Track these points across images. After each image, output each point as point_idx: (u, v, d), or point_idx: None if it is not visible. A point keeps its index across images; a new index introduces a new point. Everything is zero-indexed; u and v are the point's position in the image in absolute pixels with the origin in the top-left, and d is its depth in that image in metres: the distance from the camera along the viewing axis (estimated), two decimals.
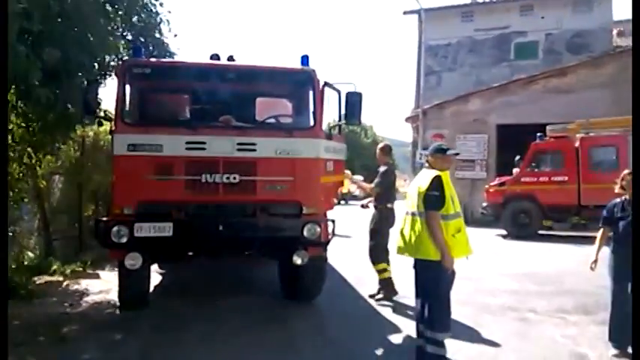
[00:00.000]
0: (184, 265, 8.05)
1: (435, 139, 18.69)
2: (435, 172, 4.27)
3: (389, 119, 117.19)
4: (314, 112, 5.77)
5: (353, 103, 5.86)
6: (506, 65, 24.28)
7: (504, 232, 14.22)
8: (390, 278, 6.83)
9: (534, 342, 5.22)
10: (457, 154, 4.57)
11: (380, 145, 7.09)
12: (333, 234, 5.68)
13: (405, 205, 4.51)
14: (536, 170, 14.02)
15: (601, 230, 4.93)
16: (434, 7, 24.98)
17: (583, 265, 9.13)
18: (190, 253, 5.82)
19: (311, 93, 5.81)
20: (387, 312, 6.23)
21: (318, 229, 5.47)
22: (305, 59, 5.90)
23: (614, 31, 24.83)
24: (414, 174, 20.27)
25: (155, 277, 7.61)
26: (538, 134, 14.11)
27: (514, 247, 12.24)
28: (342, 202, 32.00)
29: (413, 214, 4.33)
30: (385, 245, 6.66)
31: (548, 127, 14.19)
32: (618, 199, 4.80)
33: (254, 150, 5.47)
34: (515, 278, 8.22)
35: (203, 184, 5.36)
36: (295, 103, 6.54)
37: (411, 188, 4.48)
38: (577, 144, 13.52)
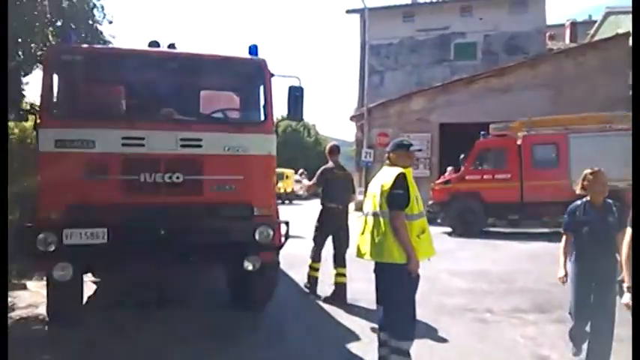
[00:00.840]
0: (123, 273, 7.40)
1: (380, 138, 18.73)
2: (398, 170, 3.99)
3: (331, 118, 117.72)
4: (265, 106, 5.38)
5: (295, 97, 5.51)
6: (446, 65, 24.77)
7: (449, 229, 14.32)
8: (344, 284, 6.63)
9: (496, 344, 5.09)
10: (420, 150, 4.31)
11: (327, 147, 7.05)
12: (287, 237, 5.30)
13: (365, 205, 4.22)
14: (480, 168, 14.22)
15: (564, 237, 4.36)
16: (376, 7, 25.09)
17: (531, 263, 9.48)
18: (129, 262, 5.26)
19: (261, 85, 5.41)
20: (343, 318, 5.92)
21: (271, 232, 5.09)
22: (254, 49, 5.51)
23: (546, 35, 25.89)
24: (358, 173, 20.23)
25: (89, 286, 6.95)
26: (482, 132, 14.32)
27: (461, 244, 12.29)
28: (287, 201, 31.71)
29: (375, 215, 4.04)
30: (318, 240, 6.70)
31: (491, 126, 14.45)
32: (579, 201, 4.30)
33: (199, 146, 5.03)
34: (468, 277, 8.16)
35: (142, 185, 4.86)
36: (244, 96, 6.09)
37: (372, 187, 4.18)
38: (520, 142, 13.80)
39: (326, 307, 6.41)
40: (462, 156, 14.62)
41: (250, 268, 5.08)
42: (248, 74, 5.59)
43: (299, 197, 35.37)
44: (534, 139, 13.72)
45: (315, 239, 6.81)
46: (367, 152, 18.83)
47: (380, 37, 25.16)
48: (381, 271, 4.06)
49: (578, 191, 4.32)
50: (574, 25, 35.42)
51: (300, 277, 7.68)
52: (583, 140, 12.96)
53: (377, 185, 4.07)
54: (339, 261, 6.66)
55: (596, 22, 35.85)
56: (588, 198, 4.25)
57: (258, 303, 5.87)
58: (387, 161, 4.22)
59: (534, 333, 5.41)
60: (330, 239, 6.80)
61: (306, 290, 6.94)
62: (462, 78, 19.66)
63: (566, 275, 4.24)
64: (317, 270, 6.91)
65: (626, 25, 28.98)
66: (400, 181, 3.91)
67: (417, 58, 25.51)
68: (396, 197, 3.89)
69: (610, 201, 4.23)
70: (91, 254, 4.71)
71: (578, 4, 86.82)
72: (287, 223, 5.28)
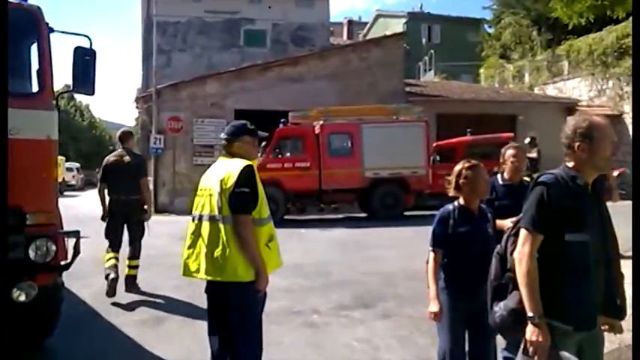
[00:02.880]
0: None
1: (171, 123, 17.25)
2: (243, 162, 3.12)
3: (107, 99, 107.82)
4: (40, 71, 3.90)
5: (85, 63, 4.12)
6: (236, 51, 24.19)
7: None
8: (133, 276, 6.34)
9: (333, 353, 4.63)
10: (267, 135, 3.45)
11: (118, 133, 6.87)
12: (77, 252, 3.91)
13: (197, 207, 3.23)
14: (280, 157, 13.97)
15: (432, 255, 3.21)
16: None
17: (338, 252, 9.43)
18: None
19: (35, 42, 3.91)
20: (156, 347, 4.69)
21: (53, 248, 3.70)
22: None
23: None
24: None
25: None
26: (282, 120, 14.07)
27: None
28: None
29: (213, 220, 3.10)
30: (110, 236, 6.28)
31: (290, 114, 14.31)
32: (450, 206, 3.24)
33: None
34: (284, 273, 7.42)
35: None
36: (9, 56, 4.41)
37: (207, 183, 3.22)
38: (317, 131, 13.91)
39: (129, 330, 5.15)
40: (263, 144, 14.16)
41: (22, 298, 3.59)
42: (15, 26, 3.98)
43: (71, 187, 31.52)
44: (330, 128, 13.97)
45: (105, 235, 6.34)
46: (157, 138, 17.08)
47: (165, 13, 23.32)
48: (221, 292, 3.15)
49: (451, 193, 3.26)
50: (351, 23, 38.35)
51: (89, 292, 6.21)
52: (373, 130, 13.68)
53: (214, 181, 3.12)
54: (132, 252, 6.35)
55: (366, 23, 39.46)
56: (461, 201, 3.23)
57: (32, 340, 4.31)
58: (223, 150, 3.31)
59: (366, 334, 5.08)
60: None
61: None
62: (256, 64, 19.24)
63: (441, 310, 3.12)
64: (115, 260, 6.15)
65: (393, 27, 32.37)
66: (247, 176, 3.05)
67: (206, 41, 24.39)
68: (243, 198, 3.02)
69: (484, 206, 3.33)
70: None
71: (345, 4, 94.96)
72: (77, 234, 3.90)
